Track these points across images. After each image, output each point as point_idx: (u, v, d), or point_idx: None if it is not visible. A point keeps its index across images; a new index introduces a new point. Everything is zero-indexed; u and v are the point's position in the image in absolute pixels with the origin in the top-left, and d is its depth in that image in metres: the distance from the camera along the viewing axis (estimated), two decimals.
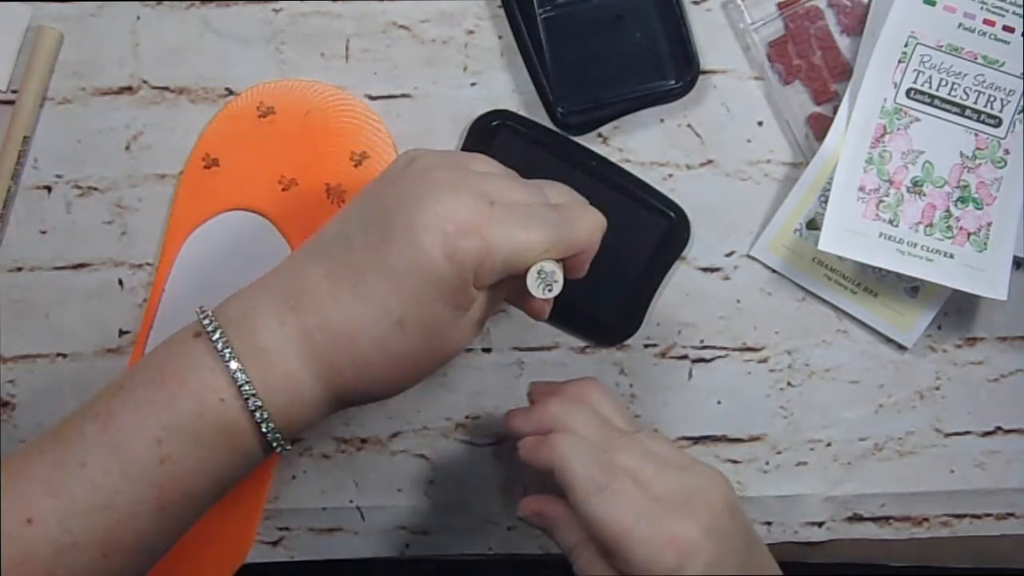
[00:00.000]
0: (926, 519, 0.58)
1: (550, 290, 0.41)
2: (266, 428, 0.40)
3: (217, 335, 0.40)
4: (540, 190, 0.43)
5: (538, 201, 0.42)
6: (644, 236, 0.55)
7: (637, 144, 0.56)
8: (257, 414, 0.40)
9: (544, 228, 0.41)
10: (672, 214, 0.55)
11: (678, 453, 0.44)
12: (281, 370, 0.40)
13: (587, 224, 0.42)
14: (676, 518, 0.40)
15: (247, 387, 0.40)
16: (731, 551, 0.41)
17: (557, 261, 0.42)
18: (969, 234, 0.53)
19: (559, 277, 0.41)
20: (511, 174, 0.44)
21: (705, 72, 0.55)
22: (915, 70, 0.53)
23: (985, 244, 0.53)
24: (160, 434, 0.39)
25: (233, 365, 0.40)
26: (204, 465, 0.40)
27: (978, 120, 0.53)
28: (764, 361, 0.56)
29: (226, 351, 0.40)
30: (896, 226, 0.53)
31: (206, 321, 0.41)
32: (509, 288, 0.44)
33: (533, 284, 0.41)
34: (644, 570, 0.39)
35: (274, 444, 0.41)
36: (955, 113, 0.53)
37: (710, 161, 0.56)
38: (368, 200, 0.42)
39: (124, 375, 0.41)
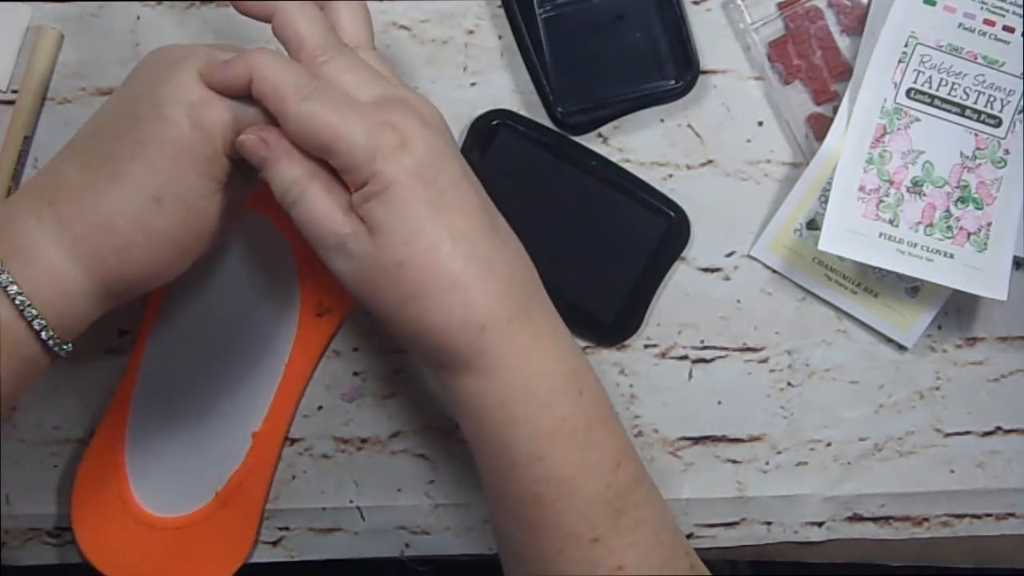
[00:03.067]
0: (926, 519, 0.58)
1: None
2: (38, 325, 0.40)
3: None
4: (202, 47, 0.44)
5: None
6: (644, 236, 0.55)
7: (637, 144, 0.56)
8: (26, 312, 0.40)
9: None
10: (672, 214, 0.55)
11: (395, 76, 0.44)
12: (44, 264, 0.40)
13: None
14: (386, 112, 0.40)
15: (10, 286, 0.39)
16: (451, 152, 0.41)
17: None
18: (969, 234, 0.53)
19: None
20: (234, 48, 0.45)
21: (705, 72, 0.55)
22: (915, 70, 0.53)
23: (985, 244, 0.53)
24: None
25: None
26: None
27: (978, 120, 0.53)
28: (764, 361, 0.56)
29: None
30: (896, 226, 0.53)
31: None
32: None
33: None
34: (366, 153, 0.39)
35: (49, 341, 0.41)
36: (955, 113, 0.53)
37: (710, 161, 0.56)
38: (116, 93, 0.44)
39: None
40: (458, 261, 0.40)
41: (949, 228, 0.53)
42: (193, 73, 0.41)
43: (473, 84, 0.55)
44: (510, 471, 0.42)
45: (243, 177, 0.44)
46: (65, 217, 0.41)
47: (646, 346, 0.56)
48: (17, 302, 0.40)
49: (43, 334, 0.41)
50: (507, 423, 0.41)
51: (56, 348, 0.41)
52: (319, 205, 0.41)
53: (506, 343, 0.41)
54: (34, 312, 0.40)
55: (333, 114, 0.39)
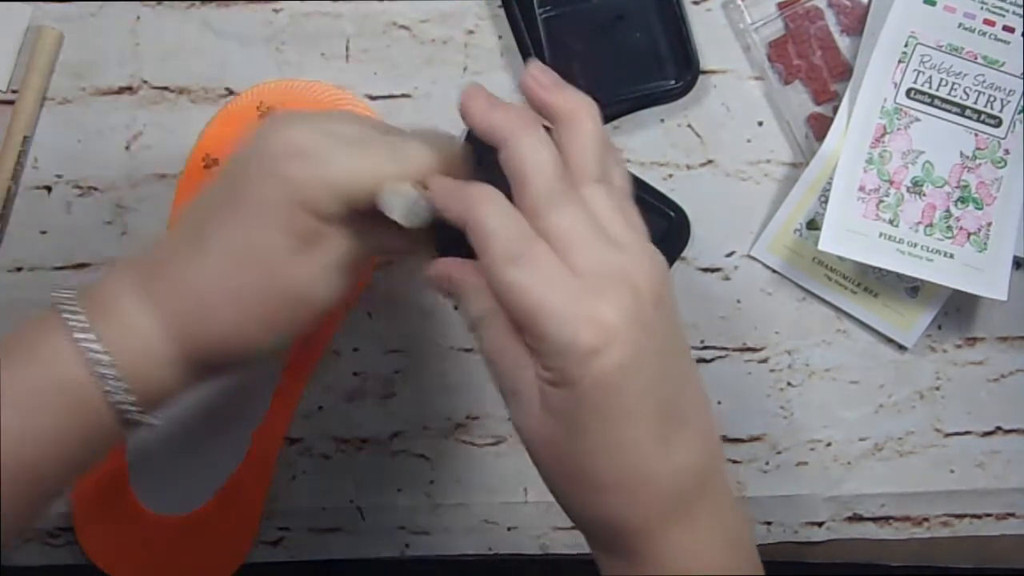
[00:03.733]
0: (926, 519, 0.58)
1: (414, 217, 0.39)
2: (115, 388, 0.38)
3: (68, 303, 0.39)
4: (390, 126, 0.42)
5: (379, 131, 0.41)
6: None
7: (637, 144, 0.56)
8: (109, 379, 0.38)
9: (379, 152, 0.40)
10: (672, 214, 0.55)
11: (623, 223, 0.39)
12: (130, 331, 0.39)
13: (423, 148, 0.41)
14: (595, 297, 0.36)
15: (96, 349, 0.38)
16: (652, 346, 0.37)
17: (422, 190, 0.39)
18: (969, 234, 0.53)
19: (420, 202, 0.39)
20: (372, 120, 0.43)
21: (705, 72, 0.55)
22: (915, 70, 0.53)
23: (985, 244, 0.53)
24: (11, 402, 0.37)
25: (83, 330, 0.38)
26: (55, 436, 0.38)
27: (978, 120, 0.53)
28: (764, 361, 0.56)
29: (76, 317, 0.39)
30: (896, 226, 0.53)
31: (59, 292, 0.40)
32: (391, 238, 0.42)
33: (388, 206, 0.39)
34: (558, 348, 0.36)
35: (127, 412, 0.39)
36: (955, 113, 0.53)
37: (710, 161, 0.56)
38: (223, 165, 0.42)
39: None
40: (615, 470, 0.37)
41: (949, 228, 0.53)
42: (284, 130, 0.39)
43: None
44: None
45: (349, 245, 0.41)
46: (155, 285, 0.40)
47: None
48: (100, 368, 0.38)
49: (117, 397, 0.39)
50: None
51: (132, 416, 0.39)
52: (498, 345, 0.38)
53: (654, 543, 0.38)
54: (115, 376, 0.38)
55: (534, 293, 0.36)
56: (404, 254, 0.44)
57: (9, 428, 0.37)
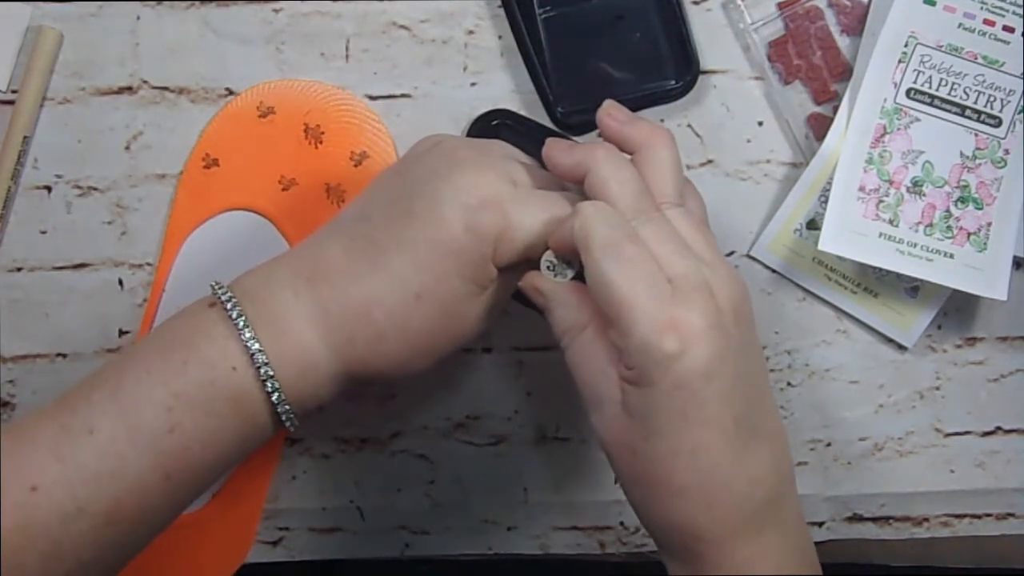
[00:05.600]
0: (926, 519, 0.58)
1: (561, 275, 0.41)
2: (276, 399, 0.40)
3: (231, 304, 0.40)
4: (558, 181, 0.44)
5: (558, 188, 0.43)
6: None
7: None
8: (268, 384, 0.39)
9: (557, 207, 0.41)
10: None
11: (704, 243, 0.41)
12: (294, 339, 0.40)
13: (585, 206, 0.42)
14: (683, 301, 0.38)
15: (260, 355, 0.39)
16: (732, 356, 0.38)
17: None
18: (969, 234, 0.53)
19: (573, 261, 0.41)
20: (532, 161, 0.45)
21: (705, 72, 0.55)
22: (915, 70, 0.53)
23: (985, 244, 0.53)
24: (170, 402, 0.38)
25: (247, 333, 0.39)
26: (213, 436, 0.39)
27: (978, 120, 0.53)
28: (764, 361, 0.56)
29: (240, 319, 0.39)
30: (896, 226, 0.53)
31: (220, 291, 0.41)
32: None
33: (545, 268, 0.41)
34: (642, 347, 0.37)
35: (283, 417, 0.40)
36: (955, 113, 0.53)
37: (710, 161, 0.56)
38: (389, 179, 0.43)
39: (134, 345, 0.41)
40: (690, 473, 0.38)
41: (949, 228, 0.53)
42: (474, 175, 0.41)
43: (473, 84, 0.55)
44: None
45: (504, 287, 0.43)
46: (323, 298, 0.40)
47: None
48: (261, 372, 0.39)
49: (279, 406, 0.40)
50: None
51: (287, 422, 0.41)
52: (584, 353, 0.40)
53: (724, 555, 0.39)
54: (276, 385, 0.39)
55: (628, 288, 0.37)
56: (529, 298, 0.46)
57: (181, 426, 0.38)
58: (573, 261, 0.41)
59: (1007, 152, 0.53)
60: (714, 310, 0.38)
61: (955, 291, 0.54)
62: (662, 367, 0.37)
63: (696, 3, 0.55)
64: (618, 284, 0.38)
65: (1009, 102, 0.53)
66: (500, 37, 0.55)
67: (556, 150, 0.42)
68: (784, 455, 0.42)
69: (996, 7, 0.53)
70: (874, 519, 0.57)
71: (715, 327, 0.38)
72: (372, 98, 0.55)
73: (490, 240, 0.40)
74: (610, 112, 0.43)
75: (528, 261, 0.42)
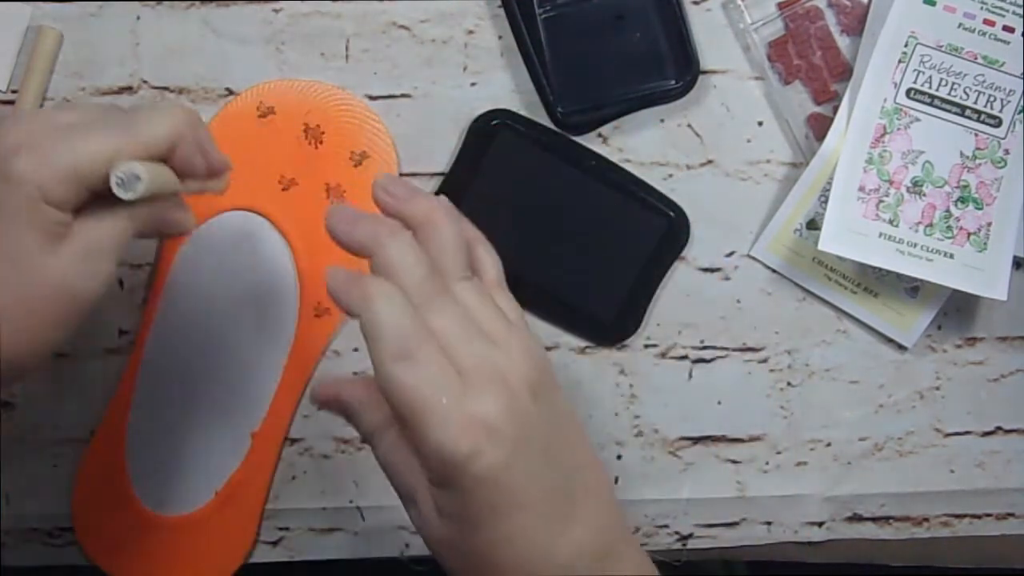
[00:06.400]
0: (926, 519, 0.58)
1: (131, 191, 0.39)
2: None
3: None
4: (114, 107, 0.43)
5: (100, 114, 0.42)
6: (644, 236, 0.55)
7: (637, 144, 0.56)
8: None
9: (105, 132, 0.40)
10: (672, 214, 0.55)
11: (494, 314, 0.40)
12: None
13: (158, 120, 0.41)
14: (475, 396, 0.37)
15: None
16: (532, 436, 0.38)
17: (148, 163, 0.40)
18: (969, 234, 0.53)
19: (140, 174, 0.39)
20: (100, 105, 0.44)
21: (705, 72, 0.55)
22: (915, 70, 0.53)
23: (985, 244, 0.53)
24: None
25: None
26: None
27: (978, 120, 0.53)
28: (764, 361, 0.56)
29: None
30: (896, 226, 0.53)
31: None
32: (137, 216, 0.42)
33: (115, 187, 0.39)
34: (438, 451, 0.36)
35: None
36: (955, 113, 0.53)
37: (710, 161, 0.56)
38: None
39: None
40: (511, 559, 0.38)
41: (949, 228, 0.53)
42: (6, 127, 0.40)
43: (473, 84, 0.55)
44: None
45: (101, 229, 0.41)
46: None
47: (646, 346, 0.56)
48: None
49: None
50: None
51: None
52: (393, 455, 0.39)
53: None
54: None
55: (418, 392, 0.36)
56: (160, 232, 0.45)
57: None
58: (142, 174, 0.39)
59: (1007, 152, 0.53)
60: (508, 398, 0.37)
61: (955, 291, 0.54)
62: (460, 469, 0.36)
63: (696, 3, 0.55)
64: (408, 388, 0.36)
65: (1009, 102, 0.53)
66: (500, 37, 0.55)
67: (340, 222, 0.40)
68: (609, 506, 0.41)
69: (996, 7, 0.53)
70: (874, 519, 0.57)
71: (510, 416, 0.37)
72: (372, 98, 0.55)
73: (31, 183, 0.38)
74: (387, 189, 0.41)
75: (99, 194, 0.40)
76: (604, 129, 0.55)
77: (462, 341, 0.38)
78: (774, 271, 0.56)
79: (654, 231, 0.55)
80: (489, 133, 0.54)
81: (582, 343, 0.56)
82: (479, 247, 0.43)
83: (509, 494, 0.37)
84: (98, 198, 0.40)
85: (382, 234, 0.39)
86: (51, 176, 0.39)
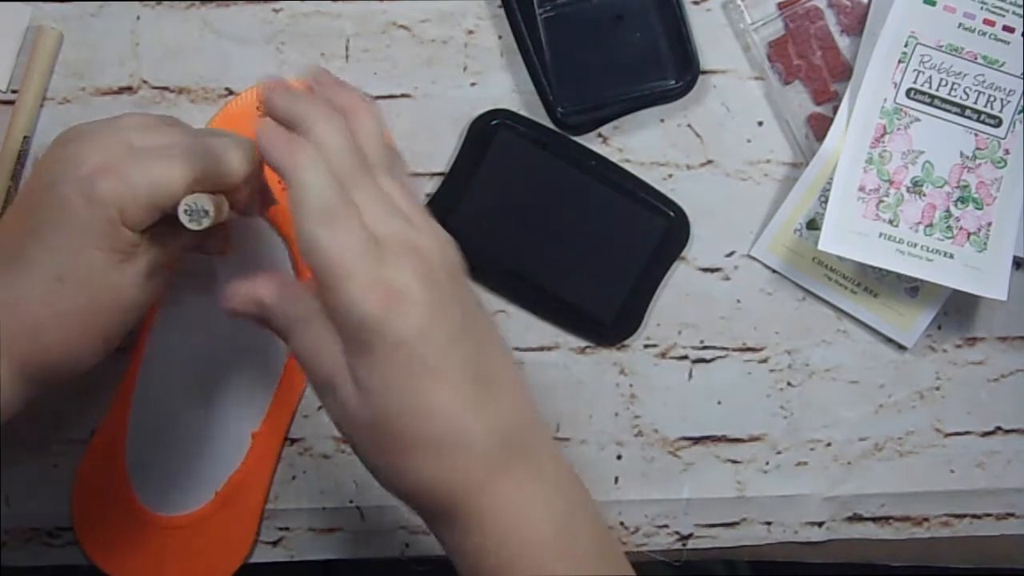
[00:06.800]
0: (926, 519, 0.58)
1: (198, 223, 0.41)
2: None
3: None
4: (190, 130, 0.44)
5: (182, 140, 0.43)
6: (644, 236, 0.55)
7: (637, 144, 0.56)
8: None
9: (184, 162, 0.41)
10: (672, 214, 0.55)
11: (413, 206, 0.41)
12: None
13: (238, 158, 0.43)
14: (392, 263, 0.38)
15: None
16: (448, 307, 0.39)
17: (213, 196, 0.42)
18: (969, 234, 0.53)
19: (209, 209, 0.41)
20: (165, 121, 0.45)
21: (705, 72, 0.55)
22: (915, 70, 0.53)
23: (985, 244, 0.53)
24: None
25: None
26: None
27: (978, 120, 0.53)
28: (764, 361, 0.56)
29: None
30: (896, 226, 0.53)
31: None
32: (193, 238, 0.44)
33: (183, 217, 0.41)
34: (354, 311, 0.37)
35: None
36: (955, 113, 0.53)
37: (710, 161, 0.56)
38: (25, 182, 0.44)
39: None
40: (425, 430, 0.38)
41: (949, 228, 0.53)
42: (85, 147, 0.41)
43: (473, 84, 0.55)
44: None
45: (161, 250, 0.43)
46: None
47: (646, 346, 0.56)
48: None
49: None
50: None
51: None
52: (313, 339, 0.39)
53: (473, 506, 0.39)
54: None
55: (337, 255, 0.37)
56: (203, 251, 0.48)
57: None
58: (210, 209, 0.41)
59: (1007, 152, 0.53)
60: (424, 267, 0.38)
61: (955, 291, 0.54)
62: (376, 331, 0.37)
63: (696, 3, 0.55)
64: (328, 249, 0.37)
65: (1009, 102, 0.53)
66: (500, 37, 0.55)
67: (278, 95, 0.41)
68: (525, 404, 0.42)
69: (996, 7, 0.53)
70: (874, 519, 0.57)
71: (427, 284, 0.38)
72: (372, 98, 0.55)
73: (112, 206, 0.40)
74: (316, 77, 0.43)
75: (164, 216, 0.42)
76: (604, 129, 0.55)
77: (382, 216, 0.39)
78: (774, 271, 0.56)
79: (654, 231, 0.55)
80: (489, 133, 0.54)
81: (582, 343, 0.56)
82: (398, 158, 0.44)
83: (423, 360, 0.38)
84: (163, 220, 0.42)
85: (319, 114, 0.40)
86: (132, 201, 0.40)
